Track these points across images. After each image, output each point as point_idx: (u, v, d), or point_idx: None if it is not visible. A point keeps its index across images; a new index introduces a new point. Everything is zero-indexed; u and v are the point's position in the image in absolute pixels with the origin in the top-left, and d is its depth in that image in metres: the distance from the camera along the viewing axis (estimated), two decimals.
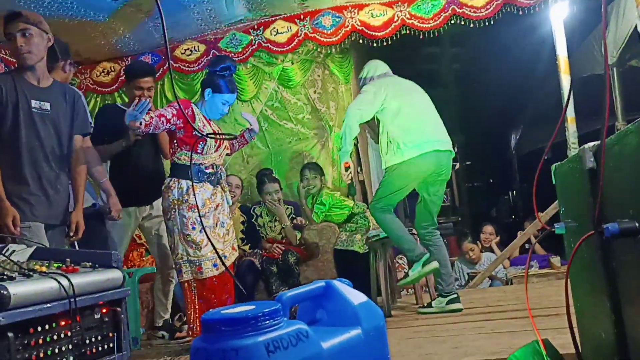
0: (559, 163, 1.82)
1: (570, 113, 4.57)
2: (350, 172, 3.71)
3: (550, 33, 4.85)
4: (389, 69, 3.92)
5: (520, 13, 4.72)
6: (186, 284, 3.30)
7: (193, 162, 3.23)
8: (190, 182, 3.21)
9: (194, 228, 3.20)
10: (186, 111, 3.22)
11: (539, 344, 1.92)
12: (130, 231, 3.85)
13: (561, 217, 1.85)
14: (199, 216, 3.17)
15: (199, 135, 3.17)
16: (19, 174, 2.68)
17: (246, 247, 4.78)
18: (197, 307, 3.29)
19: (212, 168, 3.34)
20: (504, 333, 2.83)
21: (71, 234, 2.87)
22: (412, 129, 3.63)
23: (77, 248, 2.94)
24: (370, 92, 3.67)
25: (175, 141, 3.31)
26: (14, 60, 4.68)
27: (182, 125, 3.23)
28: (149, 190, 3.79)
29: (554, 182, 1.87)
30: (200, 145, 3.25)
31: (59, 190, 2.81)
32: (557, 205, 4.40)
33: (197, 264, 3.22)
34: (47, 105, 2.77)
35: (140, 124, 3.00)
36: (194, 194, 3.17)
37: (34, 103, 2.72)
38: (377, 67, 3.90)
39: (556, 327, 2.60)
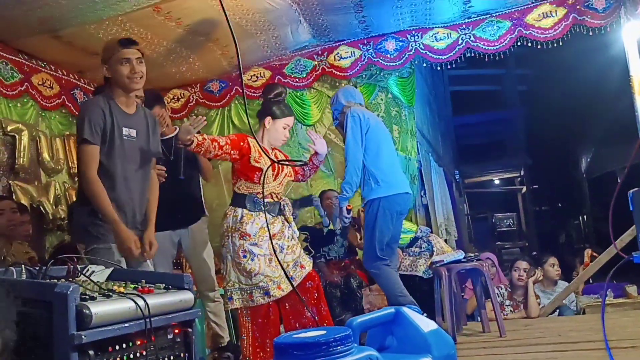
0: (637, 189, 1.76)
1: None
2: (352, 214, 3.77)
3: (622, 52, 4.69)
4: (363, 100, 4.08)
5: (590, 34, 4.59)
6: (239, 311, 3.33)
7: (250, 191, 3.28)
8: (245, 211, 3.27)
9: (244, 256, 3.22)
10: (241, 144, 3.25)
11: None
12: (170, 255, 3.80)
13: None
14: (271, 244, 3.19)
15: (271, 161, 3.19)
16: (110, 197, 2.75)
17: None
18: (250, 333, 3.32)
19: (271, 197, 3.38)
20: None
21: (145, 254, 2.87)
22: (388, 167, 3.75)
23: (150, 265, 3.00)
24: (357, 135, 3.71)
25: (235, 172, 3.38)
26: (93, 89, 4.99)
27: (237, 157, 3.27)
28: (185, 213, 3.76)
29: (631, 209, 1.81)
30: (256, 175, 3.30)
31: (137, 213, 2.89)
32: (633, 232, 4.21)
33: (249, 292, 3.25)
34: (134, 133, 2.86)
35: (192, 141, 3.03)
36: (267, 224, 3.18)
37: (124, 130, 2.81)
38: (353, 94, 3.96)
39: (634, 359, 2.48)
